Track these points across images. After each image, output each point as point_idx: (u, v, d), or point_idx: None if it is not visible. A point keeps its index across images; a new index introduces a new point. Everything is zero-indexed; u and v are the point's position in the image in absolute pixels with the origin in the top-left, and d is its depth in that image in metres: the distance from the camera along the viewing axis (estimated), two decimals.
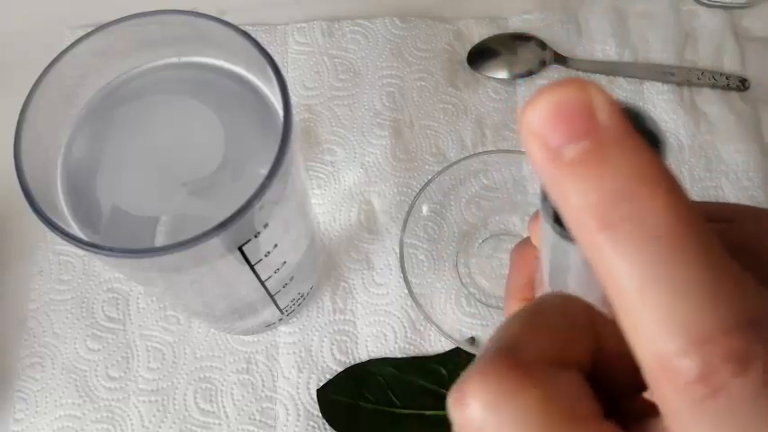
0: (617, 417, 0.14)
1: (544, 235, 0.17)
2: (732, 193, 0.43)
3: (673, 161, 0.44)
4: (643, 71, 0.46)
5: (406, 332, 0.40)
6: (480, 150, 0.44)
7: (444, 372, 0.38)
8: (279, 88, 0.25)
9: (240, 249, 0.26)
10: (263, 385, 0.39)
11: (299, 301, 0.38)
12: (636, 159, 0.12)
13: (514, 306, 0.25)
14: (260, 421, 0.38)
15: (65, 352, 0.40)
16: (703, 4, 0.48)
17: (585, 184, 0.12)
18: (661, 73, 0.46)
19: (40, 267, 0.42)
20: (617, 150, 0.12)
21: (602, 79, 0.46)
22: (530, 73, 0.46)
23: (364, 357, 0.39)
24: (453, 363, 0.39)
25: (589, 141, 0.12)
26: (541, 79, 0.46)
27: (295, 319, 0.40)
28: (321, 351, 0.39)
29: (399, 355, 0.39)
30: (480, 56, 0.47)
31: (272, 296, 0.34)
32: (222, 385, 0.39)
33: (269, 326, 0.39)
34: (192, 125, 0.28)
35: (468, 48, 0.47)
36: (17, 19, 0.49)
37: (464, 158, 0.42)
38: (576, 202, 0.12)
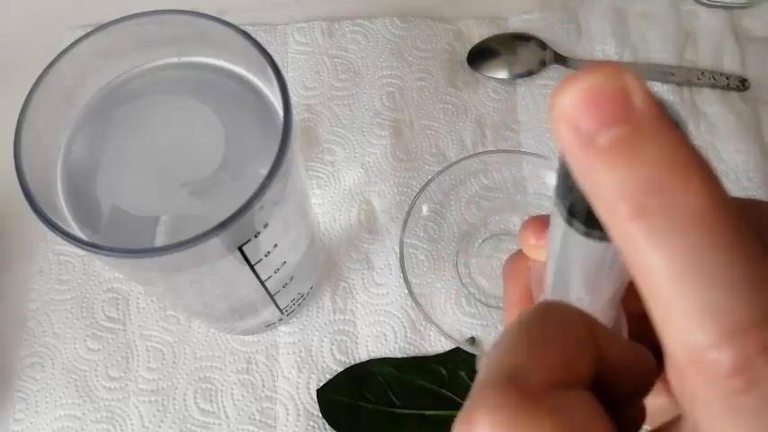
0: (617, 423, 0.14)
1: (553, 234, 0.16)
2: (732, 193, 0.42)
3: None
4: (643, 71, 0.46)
5: (406, 332, 0.40)
6: (480, 150, 0.44)
7: (444, 372, 0.38)
8: (279, 88, 0.25)
9: (240, 249, 0.26)
10: (263, 385, 0.39)
11: (299, 301, 0.38)
12: (671, 147, 0.12)
13: None
14: (260, 421, 0.38)
15: (65, 352, 0.40)
16: (703, 4, 0.48)
17: (619, 172, 0.12)
18: (661, 73, 0.46)
19: (40, 267, 0.42)
20: (652, 138, 0.12)
21: None
22: (530, 73, 0.46)
23: (364, 357, 0.39)
24: (453, 363, 0.39)
25: (624, 128, 0.12)
26: (541, 79, 0.46)
27: (295, 319, 0.40)
28: (321, 351, 0.39)
29: (399, 355, 0.39)
30: (480, 56, 0.47)
31: (272, 296, 0.34)
32: (222, 385, 0.39)
33: (269, 326, 0.39)
34: (192, 125, 0.28)
35: (468, 48, 0.47)
36: (17, 19, 0.49)
37: (464, 158, 0.42)
38: (608, 189, 0.12)
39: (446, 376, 0.38)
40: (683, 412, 0.13)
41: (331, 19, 0.48)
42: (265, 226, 0.26)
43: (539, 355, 0.14)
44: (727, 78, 0.45)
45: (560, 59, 0.47)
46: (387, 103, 0.45)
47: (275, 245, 0.29)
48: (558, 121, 0.12)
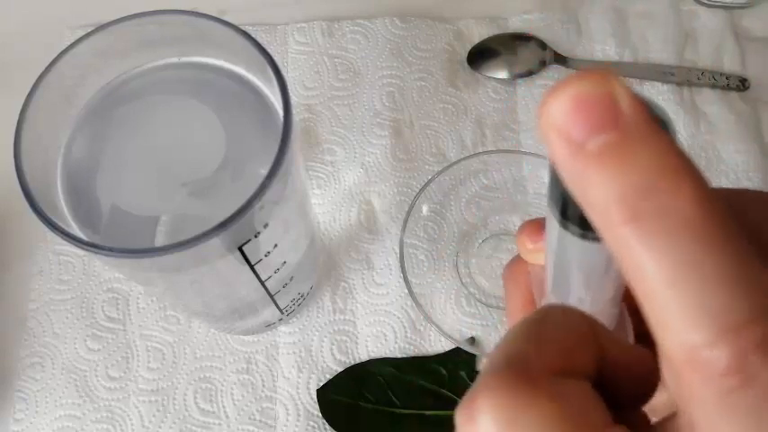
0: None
1: (550, 237, 0.17)
2: None
3: None
4: (643, 71, 0.46)
5: (406, 332, 0.40)
6: (480, 150, 0.44)
7: (444, 372, 0.38)
8: (279, 88, 0.25)
9: (240, 249, 0.26)
10: (263, 385, 0.39)
11: (299, 301, 0.38)
12: (660, 151, 0.12)
13: None
14: (260, 421, 0.38)
15: (65, 352, 0.40)
16: (703, 4, 0.48)
17: (609, 177, 0.12)
18: (661, 73, 0.46)
19: (40, 267, 0.42)
20: (641, 142, 0.12)
21: None
22: (530, 73, 0.46)
23: (364, 357, 0.39)
24: (453, 363, 0.39)
25: (613, 134, 0.12)
26: (541, 79, 0.46)
27: (295, 319, 0.40)
28: (321, 351, 0.39)
29: (399, 355, 0.39)
30: (480, 56, 0.47)
31: (272, 296, 0.34)
32: (222, 385, 0.39)
33: (269, 326, 0.39)
34: (192, 125, 0.28)
35: (468, 48, 0.47)
36: (17, 19, 0.49)
37: (464, 158, 0.42)
38: (599, 194, 0.12)
39: (446, 376, 0.38)
40: (678, 410, 0.13)
41: (331, 19, 0.48)
42: (265, 226, 0.26)
43: (539, 346, 0.14)
44: (727, 78, 0.45)
45: (560, 59, 0.47)
46: (387, 103, 0.45)
47: (275, 245, 0.29)
48: (546, 129, 0.12)
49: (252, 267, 0.29)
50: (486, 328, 0.39)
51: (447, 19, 0.48)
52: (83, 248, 0.23)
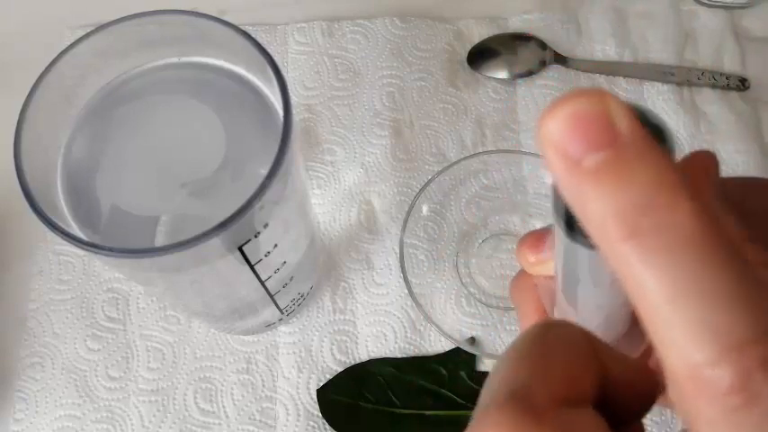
0: None
1: (557, 249, 0.16)
2: None
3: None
4: (643, 71, 0.46)
5: (406, 332, 0.40)
6: (480, 150, 0.44)
7: (444, 372, 0.38)
8: (279, 88, 0.25)
9: (240, 249, 0.26)
10: (263, 385, 0.39)
11: (299, 301, 0.38)
12: (657, 168, 0.12)
13: None
14: (260, 421, 0.38)
15: (65, 352, 0.40)
16: (703, 4, 0.48)
17: (606, 193, 0.12)
18: (661, 73, 0.46)
19: (40, 267, 0.42)
20: (638, 159, 0.12)
21: (601, 79, 0.47)
22: (530, 73, 0.46)
23: (364, 357, 0.39)
24: (453, 363, 0.39)
25: (609, 151, 0.12)
26: (541, 79, 0.46)
27: (295, 319, 0.40)
28: (321, 351, 0.39)
29: (399, 355, 0.39)
30: (480, 56, 0.47)
31: (272, 296, 0.34)
32: (222, 385, 0.39)
33: (269, 326, 0.39)
34: (193, 125, 0.28)
35: (468, 48, 0.47)
36: (17, 19, 0.49)
37: (464, 158, 0.42)
38: (597, 211, 0.12)
39: (446, 376, 0.38)
40: (685, 425, 0.13)
41: (331, 19, 0.48)
42: (265, 226, 0.26)
43: (542, 373, 0.14)
44: (727, 78, 0.45)
45: (560, 59, 0.47)
46: (387, 103, 0.45)
47: (275, 245, 0.29)
48: (545, 145, 0.13)
49: (252, 267, 0.29)
50: (486, 328, 0.39)
51: (447, 19, 0.48)
52: (83, 248, 0.23)
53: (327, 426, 0.38)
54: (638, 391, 0.15)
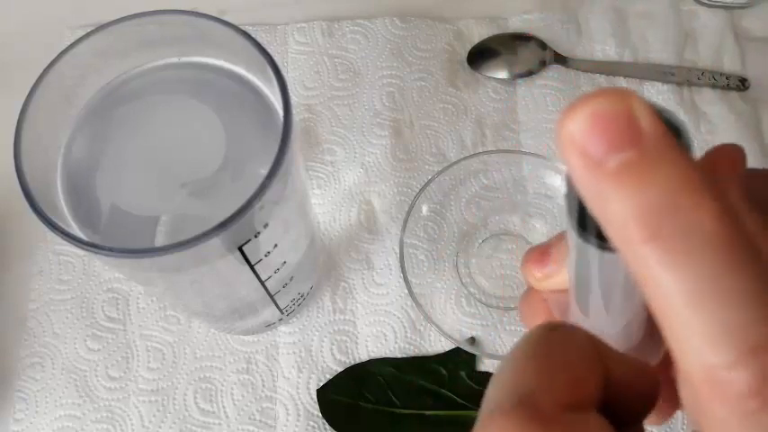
0: None
1: (570, 253, 0.16)
2: None
3: None
4: (643, 71, 0.46)
5: (406, 332, 0.40)
6: (480, 150, 0.44)
7: (444, 372, 0.38)
8: (279, 88, 0.25)
9: (240, 249, 0.26)
10: (263, 385, 0.39)
11: (299, 301, 0.38)
12: (680, 168, 0.12)
13: None
14: (260, 421, 0.38)
15: (65, 352, 0.40)
16: (703, 4, 0.48)
17: (629, 195, 0.12)
18: (661, 73, 0.46)
19: (40, 267, 0.42)
20: (661, 160, 0.12)
21: (602, 79, 0.47)
22: (530, 73, 0.46)
23: (364, 357, 0.39)
24: (453, 363, 0.39)
25: (633, 151, 0.12)
26: (541, 79, 0.46)
27: (295, 319, 0.40)
28: (321, 351, 0.39)
29: (399, 355, 0.39)
30: (480, 56, 0.47)
31: (272, 296, 0.34)
32: (222, 385, 0.39)
33: (269, 326, 0.39)
34: (193, 125, 0.28)
35: (468, 48, 0.47)
36: (17, 19, 0.49)
37: (464, 158, 0.42)
38: (619, 212, 0.12)
39: (446, 376, 0.38)
40: (695, 426, 0.13)
41: (331, 19, 0.48)
42: (265, 226, 0.26)
43: (546, 376, 0.14)
44: (727, 78, 0.45)
45: (560, 59, 0.47)
46: (387, 103, 0.45)
47: (275, 245, 0.29)
48: (566, 146, 0.12)
49: (252, 267, 0.29)
50: (486, 328, 0.39)
51: (447, 19, 0.48)
52: (83, 248, 0.23)
53: (327, 426, 0.38)
54: (639, 392, 0.15)
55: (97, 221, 0.27)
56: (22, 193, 0.24)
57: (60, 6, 0.49)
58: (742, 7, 0.48)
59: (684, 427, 0.36)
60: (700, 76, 0.46)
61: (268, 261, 0.29)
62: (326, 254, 0.42)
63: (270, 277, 0.31)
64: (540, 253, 0.21)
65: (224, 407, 0.38)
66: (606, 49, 0.47)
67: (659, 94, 0.46)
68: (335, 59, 0.47)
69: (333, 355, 0.39)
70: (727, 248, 0.11)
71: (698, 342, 0.11)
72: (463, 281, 0.41)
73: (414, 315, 0.40)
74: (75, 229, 0.26)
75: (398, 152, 0.44)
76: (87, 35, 0.27)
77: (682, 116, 0.45)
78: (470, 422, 0.33)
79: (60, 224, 0.23)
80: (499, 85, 0.46)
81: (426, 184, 0.41)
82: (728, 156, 0.17)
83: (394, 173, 0.44)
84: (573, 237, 0.15)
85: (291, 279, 0.34)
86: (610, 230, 0.12)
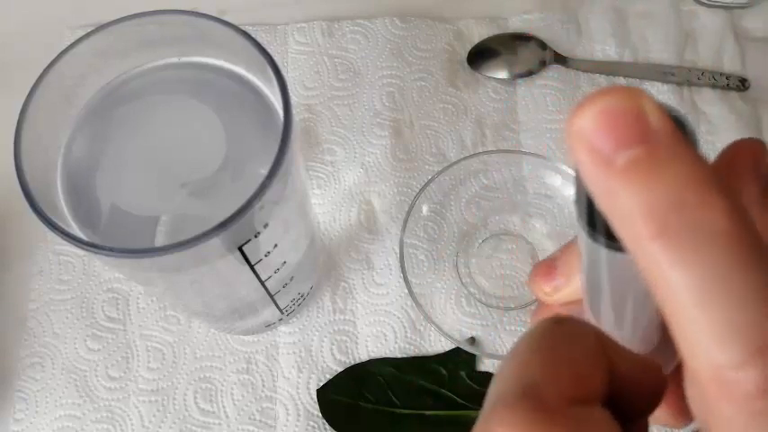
0: None
1: (582, 257, 0.16)
2: None
3: None
4: (643, 71, 0.46)
5: (406, 332, 0.40)
6: (480, 150, 0.44)
7: (444, 372, 0.38)
8: (279, 88, 0.25)
9: (240, 249, 0.26)
10: (263, 385, 0.39)
11: (299, 301, 0.38)
12: (689, 165, 0.12)
13: None
14: (260, 421, 0.38)
15: (65, 352, 0.40)
16: (703, 4, 0.48)
17: (638, 191, 0.12)
18: (661, 73, 0.46)
19: (40, 267, 0.42)
20: (670, 156, 0.12)
21: (602, 79, 0.47)
22: (530, 73, 0.46)
23: (364, 357, 0.39)
24: (453, 363, 0.39)
25: (642, 148, 0.12)
26: (541, 79, 0.46)
27: (295, 319, 0.40)
28: (321, 351, 0.39)
29: (399, 355, 0.39)
30: (480, 56, 0.47)
31: (272, 296, 0.34)
32: (222, 385, 0.39)
33: (269, 326, 0.39)
34: (192, 125, 0.28)
35: (468, 48, 0.47)
36: (17, 19, 0.49)
37: (464, 158, 0.42)
38: (628, 209, 0.12)
39: (446, 376, 0.38)
40: (701, 425, 0.13)
41: (331, 19, 0.48)
42: (265, 226, 0.26)
43: (551, 369, 0.14)
44: (727, 78, 0.45)
45: (560, 59, 0.47)
46: (387, 103, 0.45)
47: (275, 245, 0.29)
48: (575, 143, 0.12)
49: (252, 267, 0.29)
50: (486, 328, 0.39)
51: (447, 19, 0.48)
52: (83, 248, 0.23)
53: (327, 426, 0.38)
54: (645, 388, 0.15)
55: (97, 221, 0.27)
56: (22, 193, 0.24)
57: (60, 6, 0.49)
58: (742, 7, 0.48)
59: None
60: (700, 76, 0.46)
61: (268, 261, 0.29)
62: (326, 254, 0.42)
63: (270, 277, 0.31)
64: (547, 267, 0.21)
65: (224, 407, 0.38)
66: (606, 49, 0.47)
67: (659, 94, 0.46)
68: (335, 59, 0.47)
69: (333, 355, 0.39)
70: (736, 246, 0.11)
71: (706, 341, 0.11)
72: (463, 281, 0.41)
73: (414, 315, 0.40)
74: (75, 229, 0.26)
75: (398, 152, 0.44)
76: (87, 35, 0.27)
77: None
78: (470, 422, 0.33)
79: (60, 224, 0.23)
80: (499, 85, 0.46)
81: (426, 184, 0.41)
82: (749, 150, 0.17)
83: (394, 173, 0.44)
84: (584, 239, 0.15)
85: (291, 279, 0.34)
86: (619, 227, 0.12)
